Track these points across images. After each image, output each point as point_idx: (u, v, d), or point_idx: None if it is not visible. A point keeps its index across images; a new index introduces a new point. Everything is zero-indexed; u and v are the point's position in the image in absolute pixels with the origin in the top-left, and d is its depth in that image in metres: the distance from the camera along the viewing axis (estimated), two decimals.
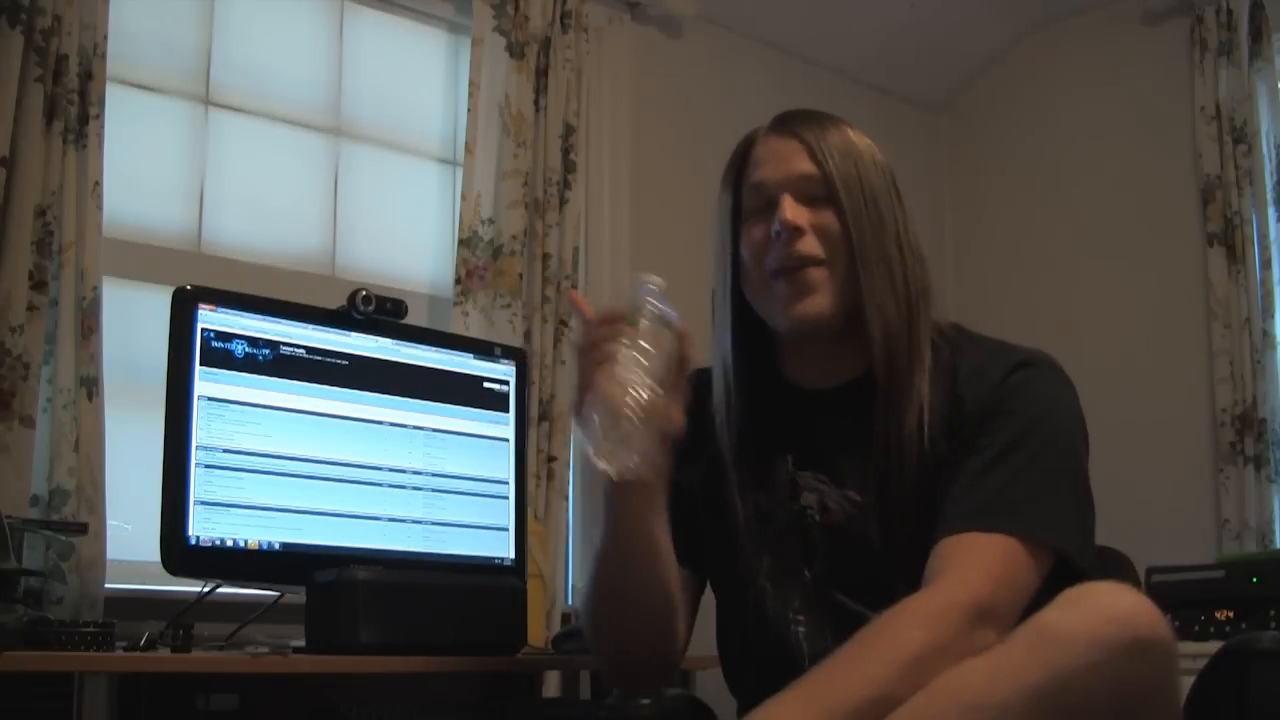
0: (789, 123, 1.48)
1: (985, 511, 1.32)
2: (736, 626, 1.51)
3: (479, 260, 2.77)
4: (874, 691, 1.15)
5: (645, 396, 1.23)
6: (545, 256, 2.84)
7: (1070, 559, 1.32)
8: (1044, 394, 1.40)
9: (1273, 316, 3.31)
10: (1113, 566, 1.63)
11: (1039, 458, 1.35)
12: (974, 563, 1.28)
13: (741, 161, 1.50)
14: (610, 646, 1.47)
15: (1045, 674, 1.11)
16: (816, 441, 1.46)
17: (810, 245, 1.41)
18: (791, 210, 1.41)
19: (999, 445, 1.36)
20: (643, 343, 1.27)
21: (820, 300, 1.41)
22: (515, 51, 2.88)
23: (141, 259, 2.46)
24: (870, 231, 1.42)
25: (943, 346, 1.45)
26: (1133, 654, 1.11)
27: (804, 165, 1.44)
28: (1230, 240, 3.37)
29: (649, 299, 1.31)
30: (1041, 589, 1.27)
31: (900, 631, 1.20)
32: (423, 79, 3.03)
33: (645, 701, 1.38)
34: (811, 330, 1.44)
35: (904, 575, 1.31)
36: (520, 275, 2.80)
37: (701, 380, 1.54)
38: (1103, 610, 1.13)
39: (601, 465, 1.22)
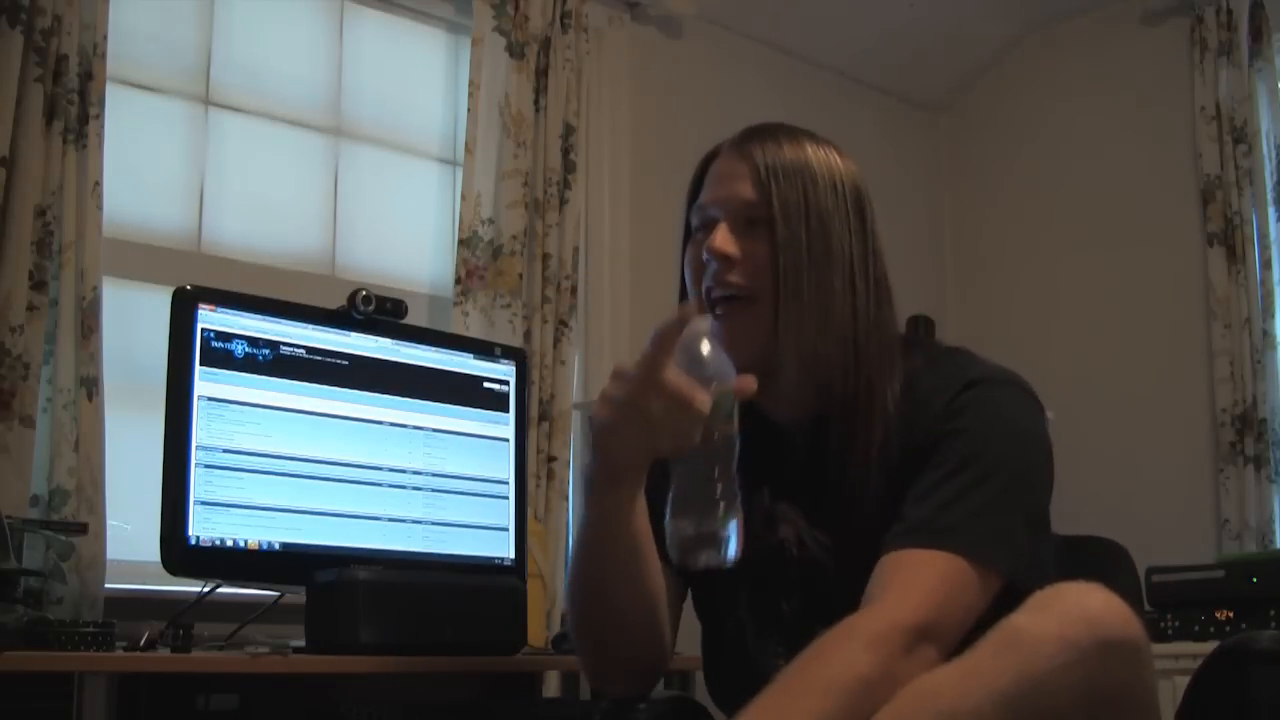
0: (745, 140, 1.43)
1: (927, 528, 1.28)
2: (719, 655, 1.49)
3: (479, 260, 2.77)
4: None
5: (728, 490, 1.20)
6: (545, 256, 2.84)
7: (1013, 581, 1.28)
8: (995, 412, 1.35)
9: (1273, 316, 3.31)
10: (1109, 558, 1.62)
11: (986, 476, 1.31)
12: (914, 582, 1.25)
13: (700, 177, 1.46)
14: (591, 643, 1.43)
15: (1016, 677, 1.09)
16: (789, 476, 1.42)
17: (737, 276, 1.36)
18: (722, 238, 1.37)
19: (947, 465, 1.32)
20: (728, 436, 1.21)
21: (746, 335, 1.36)
22: (515, 51, 2.88)
23: (141, 259, 2.46)
24: (809, 264, 1.36)
25: (898, 375, 1.39)
26: (1104, 654, 1.10)
27: (744, 190, 1.38)
28: (1230, 240, 3.37)
29: (720, 368, 1.22)
30: (1002, 606, 1.22)
31: (844, 656, 1.18)
32: (423, 79, 3.03)
33: (642, 706, 1.37)
34: (738, 360, 1.35)
35: None
36: (520, 275, 2.80)
37: None
38: (1071, 611, 1.11)
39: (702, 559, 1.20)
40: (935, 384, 1.37)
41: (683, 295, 1.45)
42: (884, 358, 1.38)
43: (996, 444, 1.33)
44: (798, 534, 1.41)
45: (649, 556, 1.37)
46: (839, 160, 1.42)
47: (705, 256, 1.38)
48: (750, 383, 1.24)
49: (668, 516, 1.20)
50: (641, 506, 1.34)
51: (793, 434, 1.43)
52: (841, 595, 1.35)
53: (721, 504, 1.18)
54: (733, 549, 1.19)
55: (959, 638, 1.19)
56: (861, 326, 1.37)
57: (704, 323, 1.22)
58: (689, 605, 1.53)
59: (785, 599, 1.41)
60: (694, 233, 1.44)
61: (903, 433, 1.36)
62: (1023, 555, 1.30)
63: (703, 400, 1.18)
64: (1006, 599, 1.22)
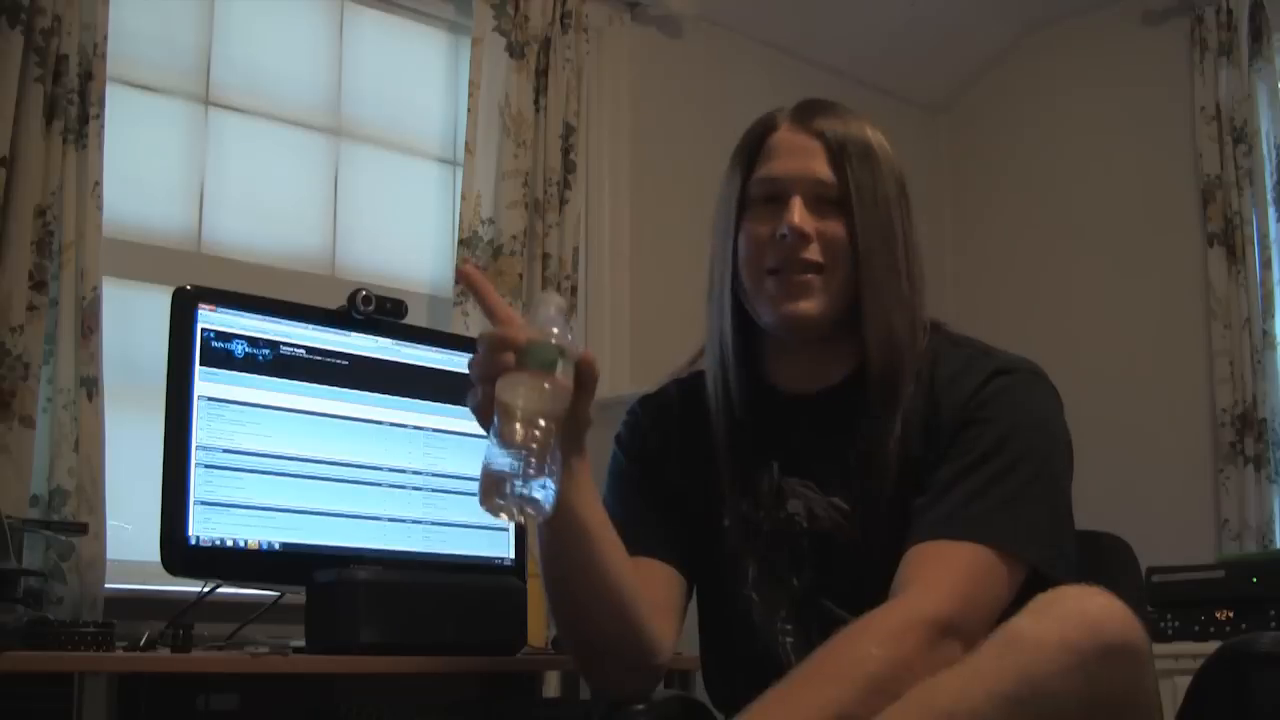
0: (811, 115, 1.43)
1: (954, 520, 1.29)
2: (722, 635, 1.49)
3: (479, 260, 2.77)
4: (832, 713, 1.13)
5: (540, 439, 1.17)
6: (545, 256, 2.84)
7: (1042, 571, 1.29)
8: (1021, 402, 1.37)
9: (1273, 316, 3.31)
10: (1112, 554, 1.62)
11: (1013, 467, 1.32)
12: (940, 575, 1.25)
13: (755, 146, 1.44)
14: (568, 638, 1.43)
15: (1016, 680, 1.09)
16: (801, 448, 1.43)
17: (814, 253, 1.37)
18: (800, 214, 1.37)
19: (973, 454, 1.33)
20: (545, 386, 1.18)
21: (811, 305, 1.38)
22: (515, 51, 2.88)
23: (141, 259, 2.46)
24: (879, 243, 1.39)
25: (923, 352, 1.41)
26: (1104, 657, 1.10)
27: (821, 168, 1.39)
28: (1230, 240, 3.37)
29: (552, 329, 1.21)
30: (1019, 599, 1.23)
31: (861, 649, 1.18)
32: (423, 79, 3.03)
33: (641, 706, 1.37)
34: (798, 331, 1.41)
35: (890, 583, 1.28)
36: (520, 275, 2.80)
37: (686, 386, 1.53)
38: (1072, 615, 1.12)
39: (514, 516, 1.19)
40: (962, 367, 1.40)
41: (734, 273, 1.43)
42: (925, 334, 1.42)
43: (1023, 434, 1.35)
44: (808, 507, 1.41)
45: (603, 545, 1.33)
46: (886, 142, 1.44)
47: (783, 230, 1.37)
48: (591, 359, 1.22)
49: (488, 447, 1.18)
50: (583, 496, 1.31)
51: (807, 404, 1.44)
52: (856, 566, 1.36)
53: (536, 450, 1.15)
54: (538, 496, 1.15)
55: (986, 630, 1.18)
56: (916, 303, 1.42)
57: (558, 298, 1.26)
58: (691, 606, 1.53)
59: (795, 573, 1.42)
60: (754, 205, 1.42)
61: (926, 408, 1.38)
62: (1049, 545, 1.32)
63: (515, 332, 1.18)
64: (1032, 588, 1.22)
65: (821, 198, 1.39)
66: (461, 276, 1.28)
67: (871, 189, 1.39)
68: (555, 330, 1.20)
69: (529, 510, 1.16)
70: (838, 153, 1.39)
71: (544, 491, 1.16)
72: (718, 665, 1.52)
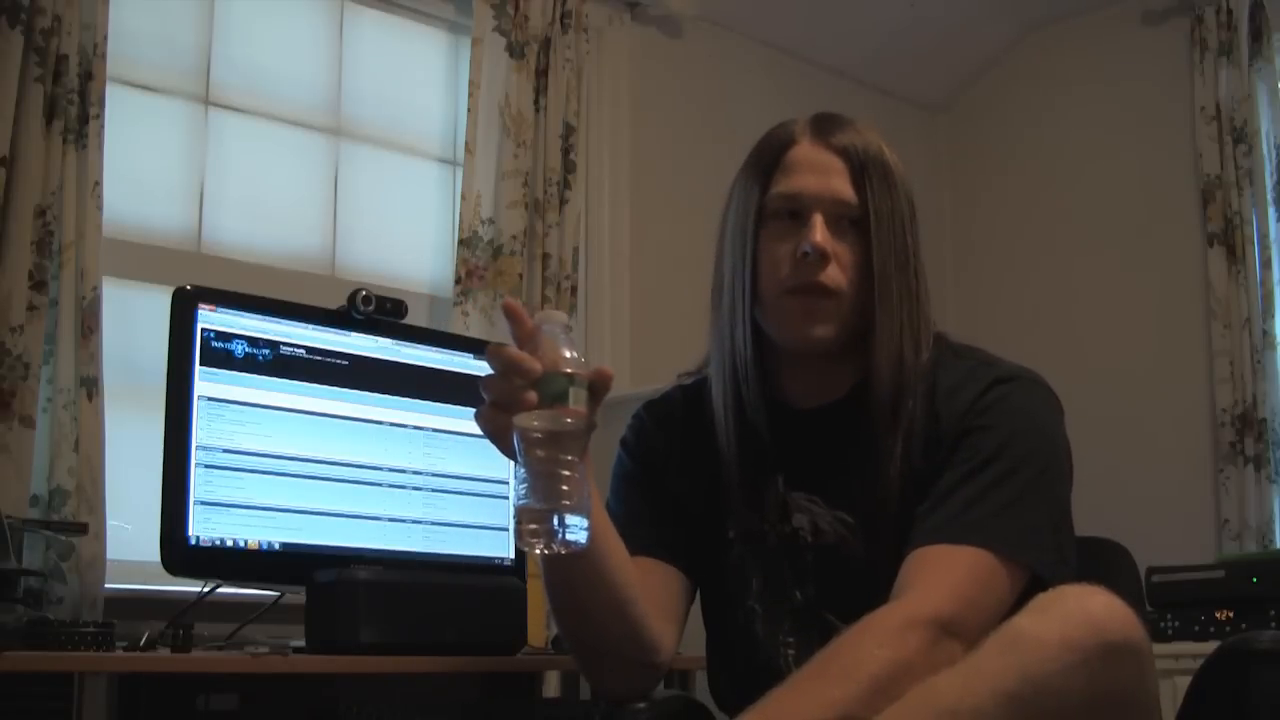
0: (828, 130, 1.42)
1: (955, 524, 1.30)
2: (726, 645, 1.49)
3: (479, 260, 2.77)
4: (835, 714, 1.13)
5: (570, 476, 1.17)
6: (545, 256, 2.84)
7: (1042, 576, 1.29)
8: (1022, 410, 1.37)
9: (1273, 316, 3.31)
10: (1110, 560, 1.62)
11: (1013, 472, 1.33)
12: (940, 577, 1.26)
13: (774, 159, 1.43)
14: (570, 640, 1.43)
15: (1018, 678, 1.09)
16: (806, 461, 1.44)
17: (833, 275, 1.37)
18: (822, 233, 1.37)
19: (974, 460, 1.34)
20: (568, 421, 1.17)
21: (828, 328, 1.39)
22: (515, 51, 2.89)
23: (141, 259, 2.46)
24: (896, 268, 1.40)
25: (925, 365, 1.42)
26: (1105, 656, 1.10)
27: (843, 187, 1.39)
28: (1230, 240, 3.37)
29: (564, 353, 1.20)
30: (1019, 603, 1.22)
31: (862, 649, 1.18)
32: (423, 79, 3.03)
33: (642, 706, 1.37)
34: (809, 351, 1.41)
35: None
36: (520, 275, 2.80)
37: (690, 393, 1.53)
38: (1073, 613, 1.12)
39: (555, 549, 1.17)
40: (962, 377, 1.40)
41: (751, 285, 1.42)
42: (927, 350, 1.42)
43: (1023, 441, 1.35)
44: (813, 521, 1.42)
45: (605, 547, 1.34)
46: (897, 158, 1.45)
47: (805, 249, 1.37)
48: (608, 375, 1.21)
49: (518, 484, 1.18)
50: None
51: (812, 418, 1.44)
52: (860, 579, 1.36)
53: (564, 489, 1.15)
54: (571, 536, 1.15)
55: (986, 631, 1.17)
56: (922, 321, 1.42)
57: (561, 315, 1.25)
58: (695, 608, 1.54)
59: (799, 587, 1.42)
60: (771, 220, 1.41)
61: (927, 420, 1.38)
62: (1049, 550, 1.32)
63: (531, 363, 1.17)
64: (1033, 593, 1.22)
65: (842, 217, 1.39)
66: (506, 309, 1.26)
67: (890, 212, 1.40)
68: (567, 354, 1.20)
69: (567, 548, 1.16)
70: (859, 172, 1.40)
71: (578, 530, 1.16)
72: (722, 673, 1.52)
